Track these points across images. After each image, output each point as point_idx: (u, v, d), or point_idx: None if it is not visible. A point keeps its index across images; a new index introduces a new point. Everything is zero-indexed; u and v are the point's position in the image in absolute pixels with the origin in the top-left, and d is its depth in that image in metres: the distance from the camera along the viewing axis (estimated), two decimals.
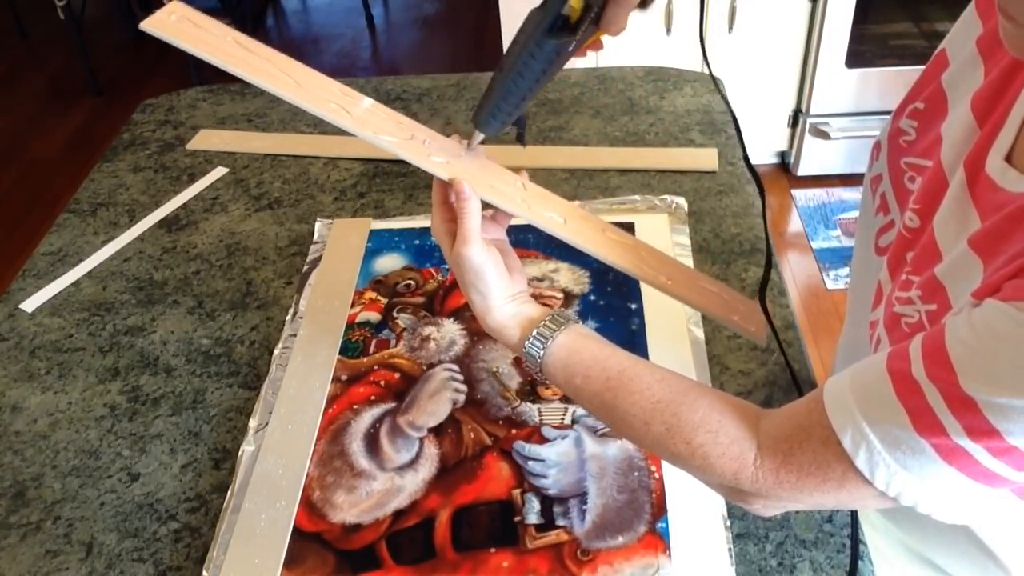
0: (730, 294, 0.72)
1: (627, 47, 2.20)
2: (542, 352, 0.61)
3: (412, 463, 0.75)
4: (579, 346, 0.61)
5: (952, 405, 0.42)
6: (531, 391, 0.81)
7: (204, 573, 0.68)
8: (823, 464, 0.48)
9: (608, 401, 0.58)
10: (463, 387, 0.82)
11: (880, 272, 0.61)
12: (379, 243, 1.00)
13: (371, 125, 0.64)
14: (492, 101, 0.62)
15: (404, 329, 0.88)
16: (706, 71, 0.66)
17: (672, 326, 0.86)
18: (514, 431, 0.77)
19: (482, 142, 0.65)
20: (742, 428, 0.53)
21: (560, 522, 0.70)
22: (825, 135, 2.32)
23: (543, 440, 0.76)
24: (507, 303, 0.63)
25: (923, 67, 0.63)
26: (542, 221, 0.66)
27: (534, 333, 0.61)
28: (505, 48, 2.20)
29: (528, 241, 0.96)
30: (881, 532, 0.75)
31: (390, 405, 0.81)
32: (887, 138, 0.65)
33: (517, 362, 0.84)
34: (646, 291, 0.90)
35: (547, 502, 0.71)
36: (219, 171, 1.16)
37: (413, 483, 0.74)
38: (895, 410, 0.45)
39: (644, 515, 0.70)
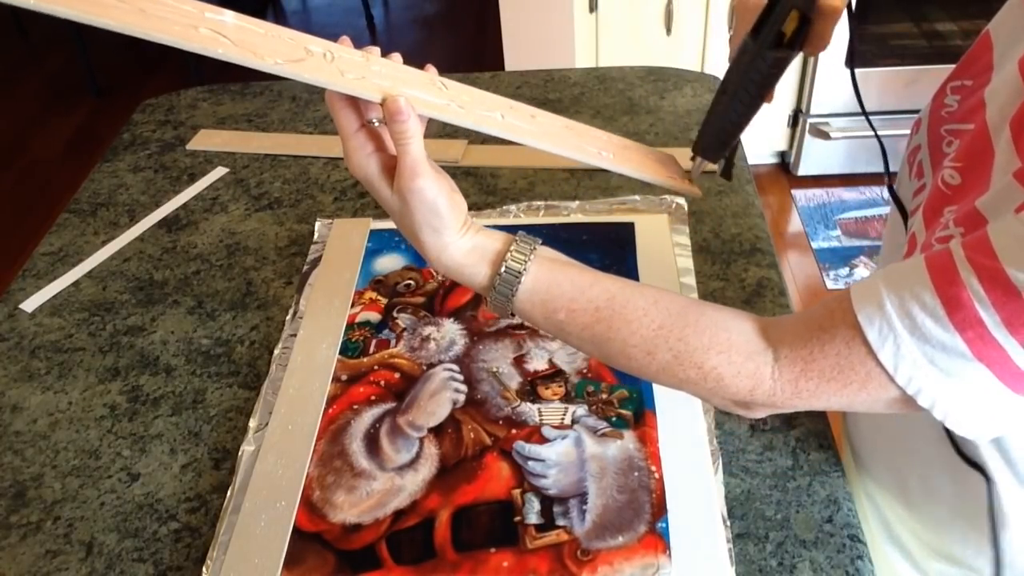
0: (657, 154, 0.69)
1: (627, 47, 2.21)
2: (516, 288, 0.55)
3: (412, 463, 0.75)
4: (557, 276, 0.55)
5: (992, 292, 0.41)
6: (531, 391, 0.81)
7: (204, 573, 0.68)
8: (846, 367, 0.47)
9: (600, 334, 0.54)
10: (463, 387, 0.82)
11: (913, 227, 0.60)
12: (379, 243, 1.00)
13: (250, 46, 0.51)
14: (716, 123, 0.62)
15: (404, 329, 0.88)
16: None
17: None
18: (514, 431, 0.77)
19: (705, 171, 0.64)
20: (753, 342, 0.51)
21: (560, 522, 0.70)
22: (825, 135, 2.32)
23: (543, 440, 0.76)
24: (462, 236, 0.56)
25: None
26: (479, 121, 0.57)
27: (503, 269, 0.54)
28: (506, 55, 2.20)
29: None
30: (909, 531, 0.75)
31: (390, 405, 0.81)
32: (928, 114, 0.64)
33: (517, 362, 0.84)
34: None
35: (547, 502, 0.71)
36: (219, 171, 1.16)
37: (413, 483, 0.74)
38: (931, 300, 0.43)
39: (644, 515, 0.70)
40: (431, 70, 0.58)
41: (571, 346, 0.61)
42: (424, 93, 0.56)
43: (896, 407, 0.48)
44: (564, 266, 0.57)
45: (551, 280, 0.55)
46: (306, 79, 0.52)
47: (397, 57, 0.56)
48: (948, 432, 0.64)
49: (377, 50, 0.56)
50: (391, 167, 0.55)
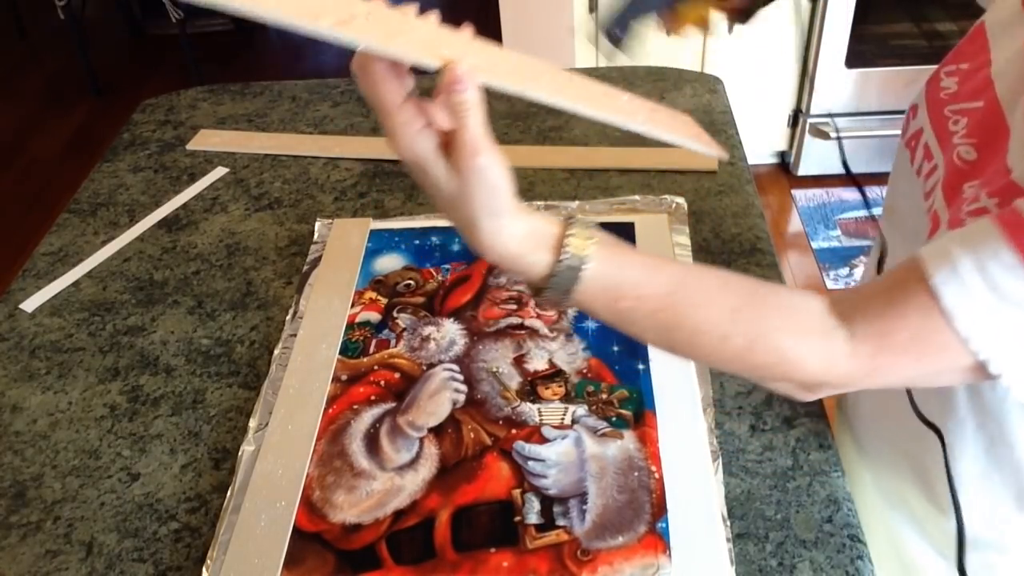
0: (681, 116, 0.63)
1: None
2: (579, 276, 0.49)
3: (412, 463, 0.75)
4: (621, 260, 0.50)
5: None
6: (531, 391, 0.81)
7: (204, 573, 0.68)
8: (922, 338, 0.45)
9: (668, 320, 0.50)
10: (463, 387, 0.82)
11: (935, 206, 0.58)
12: (379, 243, 1.00)
13: (284, 3, 0.44)
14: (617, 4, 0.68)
15: (404, 329, 0.88)
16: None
17: None
18: (514, 431, 0.77)
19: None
20: (825, 320, 0.49)
21: (560, 522, 0.70)
22: (825, 135, 2.32)
23: (543, 440, 0.76)
24: (518, 219, 0.49)
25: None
26: (552, 91, 0.49)
27: (564, 256, 0.48)
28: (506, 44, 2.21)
29: None
30: (933, 524, 0.75)
31: (390, 405, 0.81)
32: (924, 99, 0.64)
33: (517, 362, 0.84)
34: None
35: (547, 502, 0.71)
36: (219, 171, 1.16)
37: (413, 483, 0.74)
38: (1009, 256, 0.42)
39: (644, 515, 0.70)
40: (468, 30, 0.49)
41: (630, 335, 0.54)
42: (480, 56, 0.47)
43: (968, 377, 0.46)
44: (627, 250, 0.51)
45: (618, 264, 0.50)
46: (357, 43, 0.43)
47: (433, 17, 0.48)
48: (909, 394, 0.65)
49: (414, 8, 0.48)
50: (443, 146, 0.48)
